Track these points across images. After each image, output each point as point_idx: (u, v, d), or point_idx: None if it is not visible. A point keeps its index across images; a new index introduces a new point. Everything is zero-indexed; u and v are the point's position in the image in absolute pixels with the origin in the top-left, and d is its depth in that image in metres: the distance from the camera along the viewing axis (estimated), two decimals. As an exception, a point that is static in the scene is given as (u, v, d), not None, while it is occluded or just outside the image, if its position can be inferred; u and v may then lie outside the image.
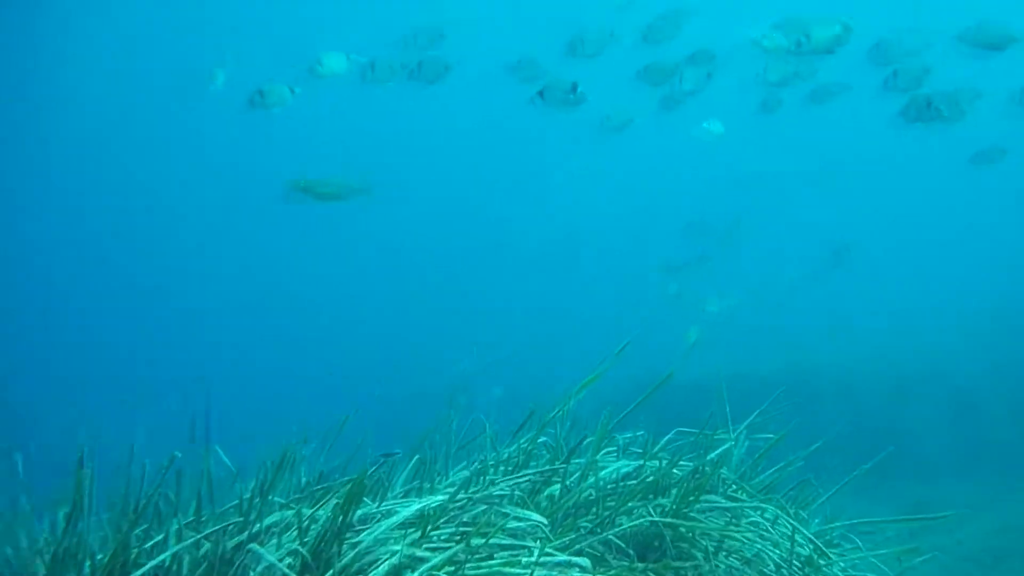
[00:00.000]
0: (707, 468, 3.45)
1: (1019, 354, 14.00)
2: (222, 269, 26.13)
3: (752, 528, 3.64)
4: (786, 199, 23.32)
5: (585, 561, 2.71)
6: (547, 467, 3.38)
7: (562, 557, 2.66)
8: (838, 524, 3.95)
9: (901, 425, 12.55)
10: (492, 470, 3.48)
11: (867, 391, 13.13)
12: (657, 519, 3.10)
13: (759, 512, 3.70)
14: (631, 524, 3.08)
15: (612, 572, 2.77)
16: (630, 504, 3.19)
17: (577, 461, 3.46)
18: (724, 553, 3.37)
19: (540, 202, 26.71)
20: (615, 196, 25.85)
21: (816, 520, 3.95)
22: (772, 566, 3.44)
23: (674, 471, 3.48)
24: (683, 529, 3.25)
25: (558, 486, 3.29)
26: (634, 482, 3.35)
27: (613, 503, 3.22)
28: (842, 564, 3.83)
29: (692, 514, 3.28)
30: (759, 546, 3.50)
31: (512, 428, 3.91)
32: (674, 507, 3.21)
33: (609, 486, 3.38)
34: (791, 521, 3.60)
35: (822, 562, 3.45)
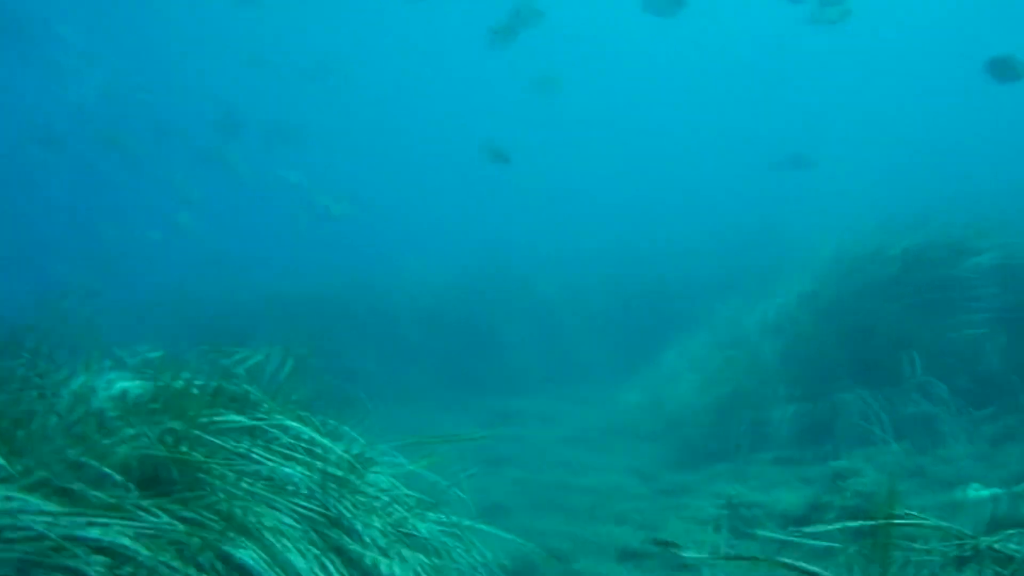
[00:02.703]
0: (228, 385, 3.42)
1: (590, 267, 15.85)
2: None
3: (284, 450, 3.71)
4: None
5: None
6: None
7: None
8: (390, 444, 4.15)
9: (489, 339, 13.63)
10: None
11: (453, 307, 14.04)
12: (161, 446, 3.02)
13: (291, 433, 3.79)
14: (130, 453, 2.97)
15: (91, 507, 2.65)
16: (132, 431, 3.06)
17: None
18: (248, 479, 3.40)
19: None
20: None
21: (362, 440, 4.11)
22: (304, 490, 3.55)
23: (193, 391, 3.41)
24: (198, 455, 3.20)
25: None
26: (142, 403, 3.23)
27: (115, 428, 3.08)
28: (384, 481, 4.07)
29: (209, 437, 3.24)
30: (288, 469, 3.59)
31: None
32: (186, 430, 3.15)
33: (111, 412, 3.23)
34: (324, 441, 3.72)
35: (353, 478, 3.62)
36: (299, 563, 3.25)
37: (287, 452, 3.66)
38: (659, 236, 18.39)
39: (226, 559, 3.11)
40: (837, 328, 8.51)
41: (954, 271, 8.72)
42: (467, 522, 4.40)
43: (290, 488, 3.49)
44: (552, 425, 10.43)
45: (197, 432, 3.18)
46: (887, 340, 8.35)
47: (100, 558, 2.54)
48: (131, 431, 3.06)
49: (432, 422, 10.06)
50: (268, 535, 3.28)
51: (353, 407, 4.38)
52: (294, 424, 3.60)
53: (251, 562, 3.15)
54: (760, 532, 6.18)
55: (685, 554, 2.09)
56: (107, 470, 2.95)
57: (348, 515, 3.55)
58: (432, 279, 14.71)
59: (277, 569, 3.19)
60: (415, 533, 3.92)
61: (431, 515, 4.29)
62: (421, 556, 3.75)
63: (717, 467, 7.52)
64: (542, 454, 8.82)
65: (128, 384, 3.41)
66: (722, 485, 6.93)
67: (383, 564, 3.54)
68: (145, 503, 2.88)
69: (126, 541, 2.69)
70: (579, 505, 7.00)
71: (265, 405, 3.67)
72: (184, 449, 3.16)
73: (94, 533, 2.55)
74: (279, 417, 3.63)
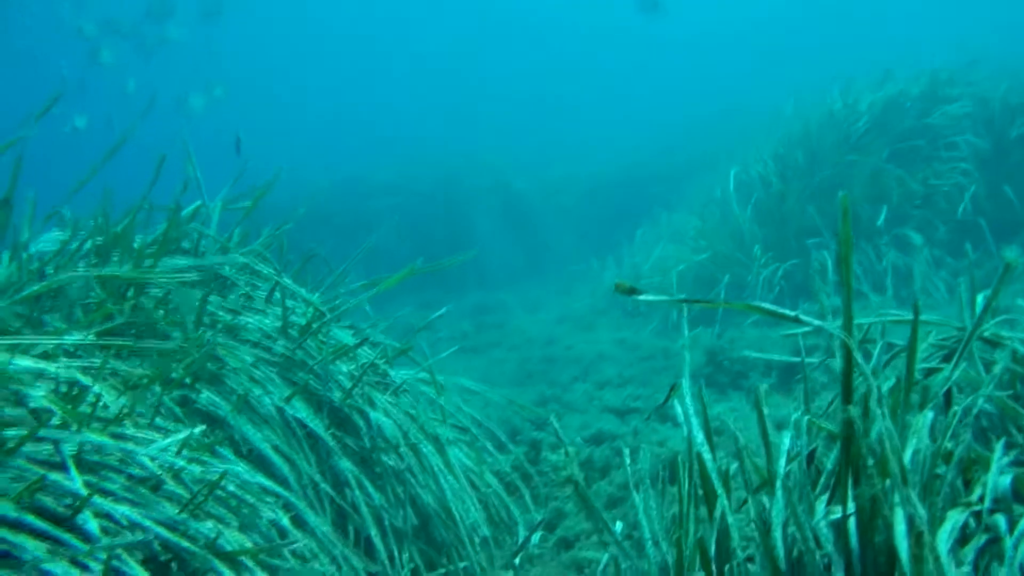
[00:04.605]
0: (175, 226, 3.27)
1: (565, 162, 15.70)
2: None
3: (244, 300, 3.60)
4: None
5: None
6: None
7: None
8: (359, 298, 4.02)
9: (468, 237, 13.46)
10: None
11: (431, 207, 13.86)
12: (103, 291, 2.89)
13: (250, 286, 3.67)
14: (73, 299, 2.84)
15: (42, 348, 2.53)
16: (70, 276, 2.92)
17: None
18: (207, 328, 3.28)
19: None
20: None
21: (318, 293, 3.99)
22: (260, 336, 3.44)
23: (135, 234, 3.27)
24: (148, 302, 3.09)
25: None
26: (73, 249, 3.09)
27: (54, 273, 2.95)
28: (346, 332, 3.97)
29: (160, 280, 3.12)
30: (249, 319, 3.47)
31: None
32: (135, 275, 3.02)
33: (49, 266, 3.09)
34: (293, 287, 3.60)
35: (315, 326, 3.51)
36: (265, 403, 3.17)
37: (245, 302, 3.55)
38: (630, 126, 18.22)
39: (185, 403, 3.02)
40: (808, 186, 8.39)
41: (927, 120, 8.59)
42: (442, 377, 4.32)
43: (252, 335, 3.39)
44: (535, 312, 10.37)
45: (146, 276, 3.04)
46: (860, 194, 8.25)
47: (44, 386, 2.42)
48: (73, 273, 2.92)
49: (406, 317, 9.95)
50: (230, 380, 3.18)
51: (315, 266, 4.24)
52: (245, 260, 3.46)
53: (213, 407, 3.06)
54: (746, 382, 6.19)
55: (643, 298, 1.97)
56: (45, 317, 2.83)
57: (311, 361, 3.45)
58: (407, 182, 14.48)
59: (243, 414, 3.10)
60: (389, 380, 3.85)
61: (407, 371, 4.22)
62: (390, 398, 3.67)
63: (697, 329, 7.46)
64: (526, 336, 8.76)
65: (63, 235, 3.26)
66: (703, 343, 6.88)
67: (352, 406, 3.46)
68: (88, 340, 2.76)
69: (77, 375, 2.59)
70: (563, 375, 6.96)
71: (220, 255, 3.53)
72: (131, 294, 3.04)
73: (25, 364, 2.43)
74: (236, 257, 3.49)
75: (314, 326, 3.54)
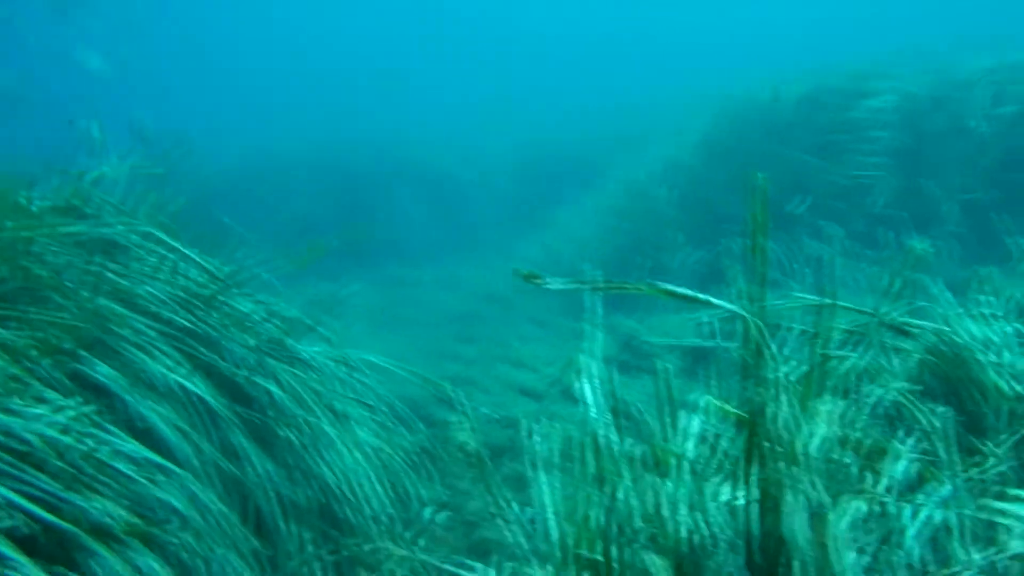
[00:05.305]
0: (75, 191, 3.13)
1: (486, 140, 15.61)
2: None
3: (147, 269, 3.47)
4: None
5: None
6: None
7: None
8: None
9: (383, 210, 13.27)
10: None
11: (353, 178, 13.66)
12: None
13: (154, 256, 3.54)
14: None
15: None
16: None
17: None
18: (103, 298, 3.16)
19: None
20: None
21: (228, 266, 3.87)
22: (160, 307, 3.32)
23: (32, 200, 3.12)
24: (42, 270, 2.95)
25: None
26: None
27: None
28: (255, 305, 3.87)
29: (54, 247, 2.99)
30: (150, 289, 3.35)
31: None
32: (26, 241, 2.89)
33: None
34: (198, 258, 3.49)
35: (222, 297, 3.42)
36: (161, 377, 3.06)
37: (149, 271, 3.43)
38: (565, 109, 18.21)
39: (77, 377, 2.90)
40: (730, 174, 8.46)
41: (851, 114, 8.72)
42: (352, 352, 4.25)
43: (152, 306, 3.27)
44: (454, 289, 10.28)
45: (45, 241, 2.91)
46: (781, 184, 8.34)
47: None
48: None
49: (319, 291, 9.78)
50: (126, 352, 3.07)
51: (223, 237, 4.12)
52: (149, 230, 3.34)
53: (106, 380, 2.94)
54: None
55: (550, 285, 1.94)
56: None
57: (215, 334, 3.36)
58: (334, 156, 14.23)
59: (138, 389, 2.99)
60: (294, 354, 3.76)
61: (316, 348, 4.13)
62: (297, 373, 3.59)
63: (616, 315, 7.48)
64: (444, 313, 8.69)
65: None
66: (621, 330, 6.91)
67: (254, 381, 3.38)
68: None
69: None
70: (477, 354, 6.92)
71: (124, 217, 3.40)
72: (23, 262, 2.90)
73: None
74: (140, 226, 3.36)
75: (219, 298, 3.44)
